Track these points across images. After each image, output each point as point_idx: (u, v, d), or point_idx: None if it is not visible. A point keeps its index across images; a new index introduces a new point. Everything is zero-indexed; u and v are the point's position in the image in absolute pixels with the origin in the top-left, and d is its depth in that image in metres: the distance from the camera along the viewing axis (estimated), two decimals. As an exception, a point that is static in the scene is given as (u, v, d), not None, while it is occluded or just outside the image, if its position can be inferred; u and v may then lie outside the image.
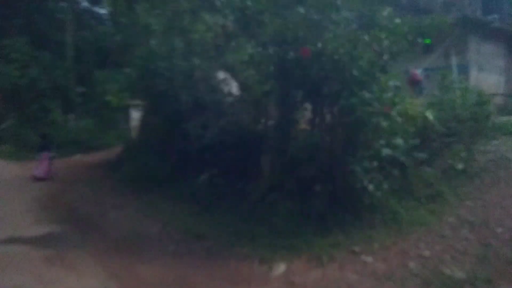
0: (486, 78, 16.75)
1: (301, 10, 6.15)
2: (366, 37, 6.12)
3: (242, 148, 7.80)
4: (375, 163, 6.87)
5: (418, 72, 13.35)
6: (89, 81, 23.76)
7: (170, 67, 9.81)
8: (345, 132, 6.94)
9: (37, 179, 12.22)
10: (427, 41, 8.71)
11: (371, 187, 6.41)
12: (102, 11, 29.20)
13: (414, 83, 12.68)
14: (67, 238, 7.32)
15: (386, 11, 6.96)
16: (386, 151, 7.15)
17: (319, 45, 5.98)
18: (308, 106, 7.55)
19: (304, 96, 7.30)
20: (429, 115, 9.07)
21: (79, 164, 15.11)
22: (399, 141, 7.67)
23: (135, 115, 20.40)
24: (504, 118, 11.62)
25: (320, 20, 6.17)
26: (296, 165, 7.04)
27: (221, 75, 10.68)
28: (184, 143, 8.92)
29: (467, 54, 16.73)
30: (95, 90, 21.93)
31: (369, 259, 5.45)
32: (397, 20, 6.83)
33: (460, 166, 9.19)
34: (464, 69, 15.37)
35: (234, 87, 10.98)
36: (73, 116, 21.48)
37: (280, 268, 5.40)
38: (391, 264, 5.29)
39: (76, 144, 18.25)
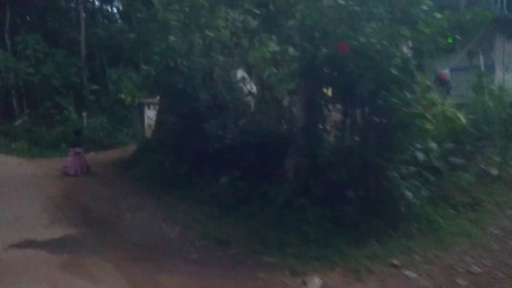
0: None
1: (341, 1, 5.69)
2: (407, 32, 5.66)
3: (265, 150, 7.38)
4: (411, 168, 6.43)
5: (446, 72, 12.81)
6: (103, 78, 23.72)
7: (189, 64, 9.45)
8: (378, 135, 6.50)
9: (69, 175, 12.42)
10: (450, 40, 8.23)
11: (409, 194, 5.97)
12: (114, 9, 29.24)
13: (443, 83, 12.15)
14: (84, 241, 6.98)
15: (425, 5, 6.48)
16: (421, 155, 6.72)
17: (360, 39, 5.51)
18: (336, 106, 7.11)
19: (335, 96, 6.87)
20: (462, 117, 8.59)
21: (93, 162, 14.82)
22: (433, 144, 7.23)
23: (150, 114, 20.19)
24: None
25: (359, 13, 5.71)
26: (324, 168, 6.61)
27: (239, 73, 10.30)
28: (202, 143, 8.54)
29: (492, 53, 16.09)
30: (109, 88, 21.80)
31: (412, 274, 4.99)
32: (437, 15, 6.36)
33: (494, 172, 8.72)
34: (489, 69, 14.75)
35: (253, 86, 10.61)
36: (86, 114, 21.27)
37: (315, 281, 4.97)
38: (438, 281, 4.83)
39: (90, 141, 18.00)
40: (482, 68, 13.34)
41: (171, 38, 9.12)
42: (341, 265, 5.33)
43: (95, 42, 24.02)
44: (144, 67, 12.93)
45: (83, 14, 24.40)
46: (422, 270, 5.07)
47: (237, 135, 7.64)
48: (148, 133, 19.16)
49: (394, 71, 5.70)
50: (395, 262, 5.31)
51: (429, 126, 5.95)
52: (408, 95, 5.63)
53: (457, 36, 6.91)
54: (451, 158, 7.75)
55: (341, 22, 5.78)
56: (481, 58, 14.13)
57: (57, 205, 9.20)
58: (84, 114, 20.98)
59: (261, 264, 5.68)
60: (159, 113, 13.20)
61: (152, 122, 18.60)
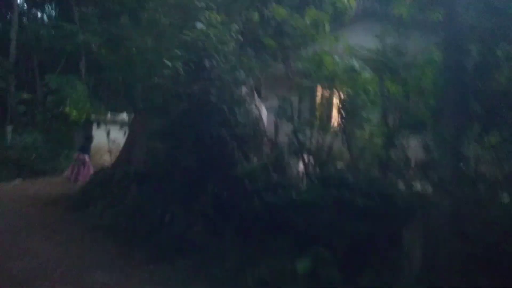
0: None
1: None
2: None
3: (369, 215, 4.42)
4: None
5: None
6: (37, 87, 19.13)
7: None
8: None
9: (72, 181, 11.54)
10: None
11: None
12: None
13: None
14: None
15: None
16: None
17: None
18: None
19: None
20: None
21: (23, 196, 10.69)
22: None
23: (99, 134, 16.22)
24: None
25: None
26: (485, 246, 3.90)
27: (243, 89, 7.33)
28: (238, 193, 5.42)
29: None
30: (46, 99, 17.43)
31: None
32: None
33: None
34: None
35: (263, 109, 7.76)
36: (12, 128, 16.64)
37: None
38: None
39: (15, 165, 13.62)
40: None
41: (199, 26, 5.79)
42: None
43: (31, 42, 19.47)
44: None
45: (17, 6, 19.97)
46: None
47: (320, 188, 4.60)
48: (97, 159, 15.22)
49: None
50: None
51: None
52: None
53: None
54: None
55: None
56: None
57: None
58: (9, 128, 16.39)
59: None
60: (132, 136, 9.71)
61: (100, 144, 14.79)
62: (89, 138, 13.45)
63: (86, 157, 12.30)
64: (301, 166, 6.07)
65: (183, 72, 5.60)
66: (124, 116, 16.70)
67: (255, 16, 6.07)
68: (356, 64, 5.03)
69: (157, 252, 6.23)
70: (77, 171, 11.91)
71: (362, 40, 5.76)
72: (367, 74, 5.12)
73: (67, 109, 14.51)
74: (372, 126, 5.03)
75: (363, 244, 4.31)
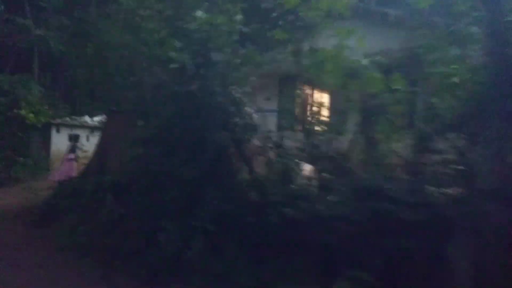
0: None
1: None
2: None
3: (396, 225, 3.85)
4: None
5: None
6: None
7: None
8: None
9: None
10: None
11: None
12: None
13: None
14: None
15: None
16: None
17: None
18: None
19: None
20: None
21: (-27, 212, 9.35)
22: None
23: (59, 139, 14.83)
24: None
25: None
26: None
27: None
28: (247, 206, 4.69)
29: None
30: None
31: None
32: None
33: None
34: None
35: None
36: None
37: None
38: None
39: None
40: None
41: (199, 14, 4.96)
42: None
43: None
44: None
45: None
46: None
47: (353, 200, 3.91)
48: (78, 170, 13.88)
49: None
50: None
51: None
52: None
53: None
54: None
55: None
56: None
57: None
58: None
59: None
60: (106, 142, 8.68)
61: (60, 151, 13.48)
62: (75, 138, 13.38)
63: (72, 156, 11.94)
64: (306, 174, 5.46)
65: (187, 67, 4.80)
66: (86, 119, 15.45)
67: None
68: (382, 60, 4.53)
69: (146, 275, 5.38)
70: (69, 168, 11.37)
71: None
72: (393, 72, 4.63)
73: (22, 112, 13.04)
74: (399, 128, 4.52)
75: (405, 262, 3.76)
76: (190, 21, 4.97)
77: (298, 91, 6.01)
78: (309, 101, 5.72)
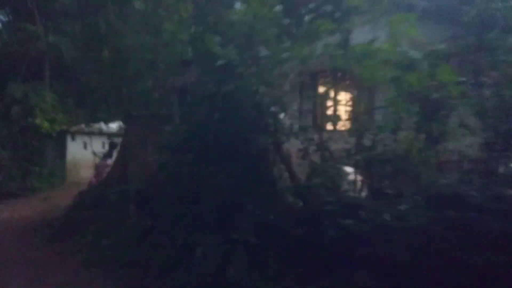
0: None
1: None
2: None
3: (482, 237, 3.31)
4: None
5: None
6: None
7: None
8: None
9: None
10: None
11: None
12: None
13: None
14: None
15: None
16: None
17: None
18: None
19: None
20: None
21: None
22: None
23: (74, 147, 14.51)
24: None
25: None
26: None
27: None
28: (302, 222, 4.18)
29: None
30: (10, 110, 15.42)
31: None
32: None
33: None
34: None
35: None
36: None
37: None
38: None
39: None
40: None
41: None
42: None
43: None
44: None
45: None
46: None
47: (427, 209, 3.38)
48: (73, 176, 13.52)
49: None
50: None
51: None
52: None
53: None
54: None
55: None
56: None
57: None
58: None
59: None
60: (127, 149, 8.25)
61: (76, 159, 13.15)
62: (114, 145, 12.47)
63: (109, 161, 11.46)
64: (351, 179, 4.96)
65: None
66: (102, 125, 15.10)
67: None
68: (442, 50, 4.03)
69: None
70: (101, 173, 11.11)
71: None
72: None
73: (37, 120, 12.72)
74: (466, 125, 4.01)
75: (491, 278, 3.24)
76: (229, 14, 4.52)
77: (336, 88, 5.50)
78: (352, 98, 5.23)
